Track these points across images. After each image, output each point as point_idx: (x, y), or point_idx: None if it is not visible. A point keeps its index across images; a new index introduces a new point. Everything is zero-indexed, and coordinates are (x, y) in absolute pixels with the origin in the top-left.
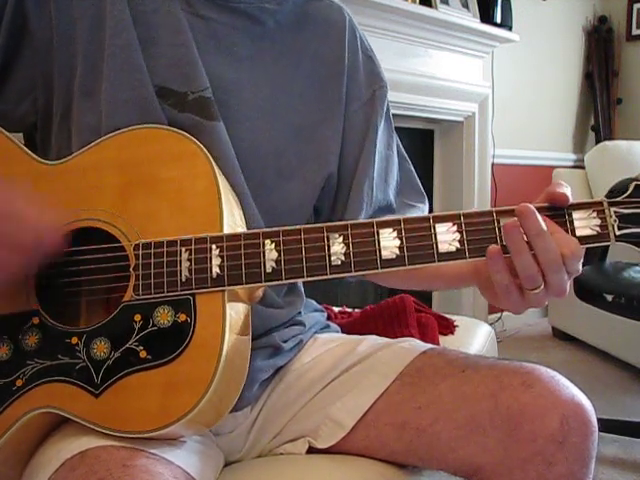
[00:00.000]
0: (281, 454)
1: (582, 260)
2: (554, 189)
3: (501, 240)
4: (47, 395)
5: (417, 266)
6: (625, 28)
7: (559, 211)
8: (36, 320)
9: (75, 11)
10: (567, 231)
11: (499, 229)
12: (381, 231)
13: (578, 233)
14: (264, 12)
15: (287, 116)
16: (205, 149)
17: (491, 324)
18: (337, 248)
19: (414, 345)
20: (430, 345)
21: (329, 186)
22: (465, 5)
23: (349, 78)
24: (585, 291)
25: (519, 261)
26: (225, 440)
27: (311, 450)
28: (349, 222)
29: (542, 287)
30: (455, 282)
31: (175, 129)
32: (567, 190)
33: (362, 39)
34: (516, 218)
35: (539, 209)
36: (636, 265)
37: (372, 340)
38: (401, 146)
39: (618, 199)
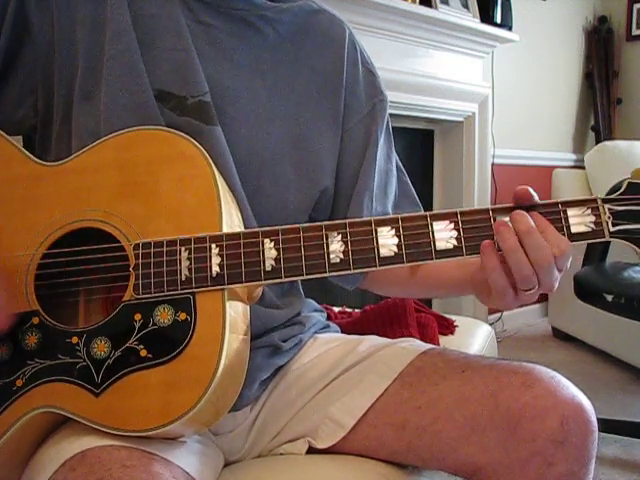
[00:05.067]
0: (281, 454)
1: (570, 258)
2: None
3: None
4: (47, 395)
5: (415, 263)
6: (625, 28)
7: (554, 208)
8: (36, 320)
9: (76, 15)
10: (562, 228)
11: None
12: (379, 229)
13: (573, 230)
14: (264, 20)
15: (284, 125)
16: (204, 150)
17: (491, 324)
18: (336, 246)
19: (414, 345)
20: (430, 345)
21: (325, 199)
22: (465, 5)
23: (348, 91)
24: (585, 291)
25: (513, 260)
26: (225, 440)
27: (311, 450)
28: (347, 220)
29: (537, 287)
30: (453, 290)
31: (174, 130)
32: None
33: (362, 52)
34: (508, 218)
35: (534, 207)
36: (636, 265)
37: (372, 340)
38: (398, 159)
39: (612, 196)
